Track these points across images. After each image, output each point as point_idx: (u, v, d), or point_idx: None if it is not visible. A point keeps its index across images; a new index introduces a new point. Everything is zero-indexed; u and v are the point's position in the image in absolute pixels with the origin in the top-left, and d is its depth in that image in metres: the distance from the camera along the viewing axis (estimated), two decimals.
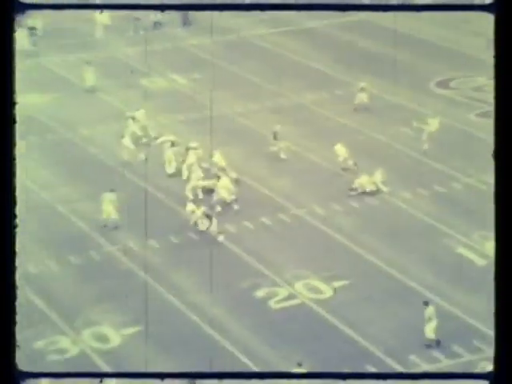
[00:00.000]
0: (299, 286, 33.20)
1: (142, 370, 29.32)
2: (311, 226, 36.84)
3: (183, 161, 39.90)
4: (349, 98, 46.45)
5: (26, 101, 45.28)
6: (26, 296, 32.37)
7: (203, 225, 36.05)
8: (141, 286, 33.07)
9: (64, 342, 30.89)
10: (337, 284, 33.16)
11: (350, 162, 39.83)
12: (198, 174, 38.93)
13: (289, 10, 10.15)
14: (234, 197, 37.79)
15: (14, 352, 9.87)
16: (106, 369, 29.55)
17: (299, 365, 28.21)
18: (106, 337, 31.06)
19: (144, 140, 42.50)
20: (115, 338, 30.99)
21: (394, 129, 43.43)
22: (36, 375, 9.96)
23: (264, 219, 37.21)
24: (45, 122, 45.26)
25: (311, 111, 46.54)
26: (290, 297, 32.74)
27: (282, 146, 41.46)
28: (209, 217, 36.11)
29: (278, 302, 32.51)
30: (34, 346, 30.26)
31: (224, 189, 37.80)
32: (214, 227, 35.90)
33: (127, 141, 41.40)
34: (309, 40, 55.01)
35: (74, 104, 46.90)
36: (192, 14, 55.77)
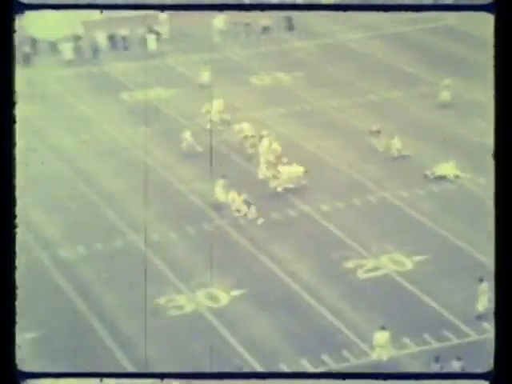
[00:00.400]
0: (384, 258, 33.50)
1: (245, 324, 30.22)
2: (395, 207, 37.11)
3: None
4: (433, 95, 46.49)
5: (153, 94, 46.32)
6: (152, 260, 33.35)
7: (241, 212, 36.16)
8: (246, 255, 34.02)
9: (181, 299, 31.50)
10: (417, 258, 33.41)
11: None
12: (266, 159, 39.16)
13: (289, 10, 9.28)
14: (304, 182, 37.95)
15: (13, 352, 9.08)
16: (217, 324, 30.22)
17: (383, 328, 28.47)
18: (216, 297, 31.60)
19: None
20: (224, 298, 31.57)
21: (474, 123, 43.16)
22: (36, 375, 9.40)
23: (354, 200, 37.65)
24: (167, 112, 45.81)
25: (399, 106, 46.51)
26: (376, 268, 32.99)
27: (380, 140, 41.68)
28: (247, 204, 36.21)
29: (365, 272, 32.79)
30: (156, 302, 31.26)
31: (289, 175, 38.17)
32: (252, 214, 35.96)
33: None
34: (398, 43, 54.75)
35: (191, 98, 47.24)
36: (296, 19, 55.82)
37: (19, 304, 28.40)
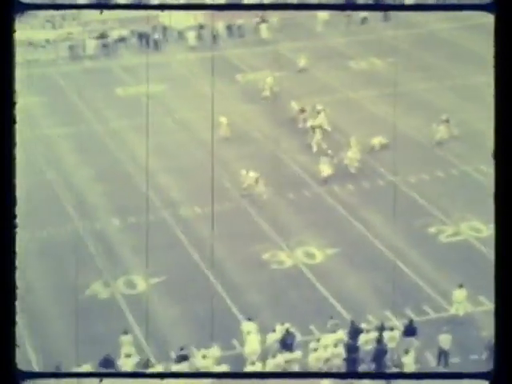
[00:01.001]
0: (464, 226, 33.15)
1: (337, 279, 30.12)
2: (475, 180, 36.51)
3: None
4: None
5: (262, 76, 46.63)
6: (259, 220, 33.57)
7: (250, 187, 35.47)
8: (339, 219, 33.86)
9: (282, 255, 31.57)
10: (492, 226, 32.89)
11: None
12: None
13: (289, 9, 8.60)
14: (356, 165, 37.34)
15: (14, 352, 8.35)
16: (312, 278, 30.21)
17: (460, 286, 28.08)
18: (313, 254, 31.59)
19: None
20: (319, 256, 31.54)
21: None
22: (36, 375, 8.57)
23: (438, 173, 37.21)
24: (275, 90, 45.73)
25: (482, 90, 45.80)
26: (455, 234, 32.73)
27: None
28: (257, 181, 35.46)
29: (446, 237, 32.54)
30: (262, 257, 31.48)
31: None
32: (260, 188, 35.32)
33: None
34: (482, 32, 53.93)
35: (290, 80, 47.16)
36: (392, 12, 55.43)
37: (148, 253, 28.97)
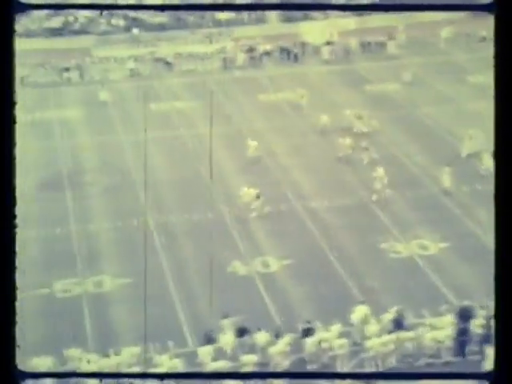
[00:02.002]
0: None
1: (450, 269, 29.23)
2: None
3: None
4: None
5: (385, 87, 45.79)
6: (378, 215, 32.90)
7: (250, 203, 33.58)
8: (452, 217, 32.76)
9: (398, 246, 30.84)
10: None
11: None
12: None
13: (289, 10, 7.99)
14: None
15: (14, 352, 7.54)
16: (426, 268, 29.42)
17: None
18: (427, 246, 30.69)
19: None
20: (433, 248, 30.64)
21: None
22: (36, 375, 7.72)
23: None
24: (394, 99, 44.73)
25: None
26: None
27: None
28: (258, 197, 33.67)
29: None
30: (379, 247, 30.70)
31: None
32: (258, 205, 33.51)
33: None
34: None
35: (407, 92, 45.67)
36: None
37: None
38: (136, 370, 24.37)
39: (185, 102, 46.92)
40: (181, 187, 36.83)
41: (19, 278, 29.21)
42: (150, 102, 46.08)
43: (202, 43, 55.17)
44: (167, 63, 52.97)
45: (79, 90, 48.96)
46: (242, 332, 25.50)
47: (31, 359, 24.62)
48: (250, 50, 54.52)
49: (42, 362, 24.49)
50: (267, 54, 54.49)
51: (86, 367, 24.29)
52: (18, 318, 26.82)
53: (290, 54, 54.10)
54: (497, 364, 6.91)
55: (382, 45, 54.44)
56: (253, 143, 39.25)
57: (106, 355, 24.83)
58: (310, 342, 24.85)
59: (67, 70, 51.10)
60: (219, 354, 24.85)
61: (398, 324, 25.41)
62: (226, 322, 25.99)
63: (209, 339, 25.52)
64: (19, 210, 32.29)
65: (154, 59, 53.18)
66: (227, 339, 25.26)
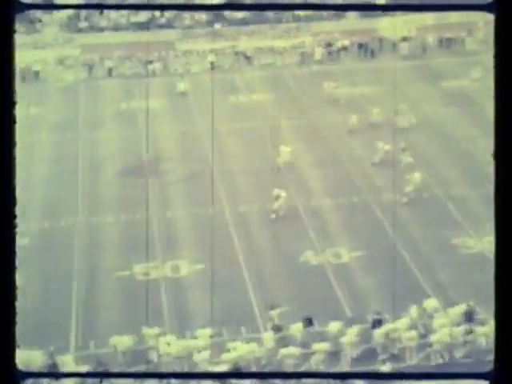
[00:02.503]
0: None
1: None
2: None
3: None
4: None
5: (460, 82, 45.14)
6: (450, 209, 32.46)
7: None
8: None
9: (470, 242, 30.57)
10: None
11: None
12: None
13: (289, 10, 7.54)
14: None
15: (14, 352, 7.27)
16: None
17: None
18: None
19: None
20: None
21: None
22: (36, 375, 7.70)
23: None
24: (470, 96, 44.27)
25: None
26: None
27: None
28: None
29: None
30: (452, 242, 30.49)
31: None
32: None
33: None
34: None
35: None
36: None
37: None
38: (209, 352, 24.77)
39: (262, 94, 47.19)
40: (255, 177, 37.12)
41: (105, 262, 29.86)
42: (229, 94, 46.50)
43: (281, 38, 55.35)
44: (247, 57, 53.33)
45: (162, 82, 49.67)
46: (310, 321, 25.65)
47: (112, 337, 25.31)
48: (328, 45, 54.41)
49: (122, 341, 25.12)
50: (344, 49, 54.30)
51: (164, 348, 24.76)
52: (100, 299, 27.42)
53: (366, 50, 53.79)
54: (497, 364, 6.74)
55: (460, 41, 53.66)
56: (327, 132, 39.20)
57: (183, 336, 25.28)
58: (379, 333, 24.85)
59: (151, 62, 51.91)
60: (289, 341, 25.06)
61: (469, 318, 25.17)
62: (295, 310, 26.20)
63: (278, 326, 25.77)
64: (104, 195, 33.17)
65: (234, 53, 53.60)
66: (297, 327, 25.46)
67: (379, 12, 57.56)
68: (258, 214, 33.99)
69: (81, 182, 37.04)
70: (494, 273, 6.82)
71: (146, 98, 47.25)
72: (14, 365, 6.97)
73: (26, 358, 24.19)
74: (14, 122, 7.16)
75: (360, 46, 54.24)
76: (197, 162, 38.61)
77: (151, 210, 34.46)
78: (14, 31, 7.14)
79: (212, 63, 52.34)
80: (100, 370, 23.86)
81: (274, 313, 26.07)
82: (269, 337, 25.25)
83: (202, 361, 24.46)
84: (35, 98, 46.23)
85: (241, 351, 24.50)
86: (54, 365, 24.09)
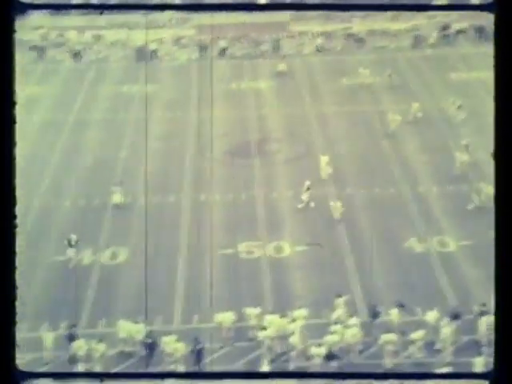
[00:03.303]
0: None
1: None
2: None
3: None
4: None
5: None
6: None
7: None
8: None
9: None
10: None
11: None
12: None
13: (289, 10, 7.33)
14: None
15: (14, 352, 7.19)
16: None
17: None
18: None
19: None
20: None
21: None
22: (36, 375, 7.43)
23: None
24: None
25: None
26: None
27: None
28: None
29: None
30: None
31: None
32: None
33: None
34: None
35: None
36: None
37: None
38: (306, 334, 24.82)
39: (372, 78, 46.65)
40: (361, 162, 36.78)
41: (210, 239, 30.31)
42: (339, 77, 46.16)
43: (394, 21, 54.49)
44: (359, 39, 52.76)
45: (272, 63, 49.73)
46: (402, 306, 25.34)
47: (215, 315, 25.71)
48: (444, 27, 53.16)
49: (224, 317, 25.47)
50: (462, 32, 52.89)
51: (263, 327, 24.93)
52: (204, 275, 27.82)
53: (484, 33, 52.15)
54: (497, 364, 6.66)
55: None
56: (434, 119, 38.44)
57: (284, 316, 25.42)
58: (483, 324, 24.29)
59: (263, 43, 52.04)
60: (387, 328, 24.82)
61: None
62: (395, 296, 25.91)
63: (374, 313, 25.55)
64: (211, 173, 33.58)
65: (346, 35, 53.12)
66: (393, 313, 25.16)
67: None
68: (364, 198, 33.71)
69: (189, 160, 37.61)
70: (494, 273, 6.79)
71: (255, 79, 47.48)
72: (15, 365, 6.98)
73: (127, 329, 24.91)
74: (14, 122, 7.05)
75: (478, 29, 52.67)
76: (303, 144, 38.56)
77: (257, 190, 34.68)
78: (13, 31, 7.06)
79: (323, 45, 52.03)
80: (198, 347, 24.29)
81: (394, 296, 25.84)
82: (366, 322, 25.13)
83: (299, 342, 24.54)
84: (151, 76, 47.18)
85: (340, 335, 24.44)
86: (154, 344, 24.55)
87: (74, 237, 29.42)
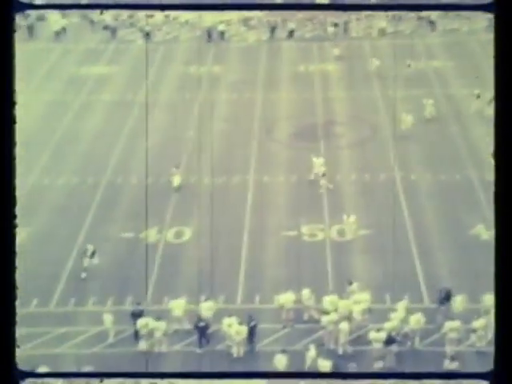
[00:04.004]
0: None
1: None
2: None
3: None
4: None
5: None
6: None
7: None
8: None
9: None
10: None
11: None
12: None
13: (289, 9, 7.12)
14: None
15: (14, 352, 7.19)
16: None
17: None
18: None
19: None
20: None
21: None
22: (36, 375, 7.46)
23: None
24: None
25: None
26: None
27: None
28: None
29: None
30: None
31: None
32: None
33: None
34: None
35: None
36: None
37: None
38: (367, 317, 24.67)
39: (442, 61, 45.90)
40: (428, 146, 36.27)
41: (274, 220, 30.09)
42: (408, 60, 45.56)
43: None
44: (430, 22, 51.93)
45: (338, 46, 49.30)
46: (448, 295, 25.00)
47: (275, 296, 25.77)
48: None
49: (284, 297, 25.51)
50: None
51: (326, 309, 24.92)
52: (267, 256, 27.84)
53: None
54: (497, 364, 6.55)
55: None
56: None
57: (342, 297, 25.32)
58: None
59: (336, 25, 51.61)
60: (451, 315, 24.50)
61: None
62: (458, 283, 25.59)
63: (445, 297, 25.20)
64: (276, 155, 33.52)
65: (416, 18, 52.34)
66: (457, 300, 24.82)
67: None
68: (430, 183, 33.29)
69: (255, 141, 37.63)
70: (494, 271, 6.64)
71: (323, 62, 47.17)
72: (14, 365, 6.94)
73: (187, 308, 25.12)
74: (14, 122, 6.93)
75: None
76: (367, 128, 38.18)
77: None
78: (14, 31, 7.03)
79: (391, 28, 51.38)
80: (252, 324, 24.36)
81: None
82: (429, 309, 24.86)
83: (359, 327, 24.46)
84: (219, 57, 47.28)
85: (402, 321, 24.25)
86: (207, 326, 24.68)
87: (90, 247, 27.58)
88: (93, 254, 27.69)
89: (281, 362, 22.99)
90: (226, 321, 24.43)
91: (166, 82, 44.49)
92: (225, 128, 38.54)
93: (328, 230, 30.35)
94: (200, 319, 24.55)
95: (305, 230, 30.44)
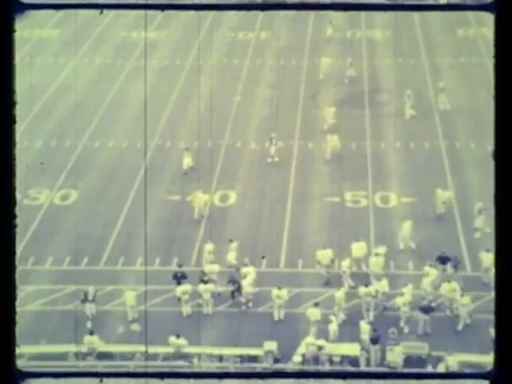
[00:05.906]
0: None
1: None
2: None
3: None
4: None
5: None
6: None
7: None
8: None
9: None
10: None
11: None
12: None
13: (290, 9, 6.85)
14: None
15: (14, 352, 7.20)
16: None
17: None
18: None
19: None
20: None
21: None
22: (36, 375, 7.35)
23: None
24: None
25: None
26: None
27: None
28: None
29: None
30: None
31: None
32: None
33: None
34: None
35: None
36: None
37: None
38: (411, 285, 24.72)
39: (491, 28, 45.10)
40: (475, 116, 35.80)
41: (317, 187, 29.97)
42: (457, 28, 44.82)
43: None
44: None
45: (386, 14, 48.63)
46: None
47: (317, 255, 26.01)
48: None
49: (324, 254, 25.88)
50: None
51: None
52: (309, 221, 27.84)
53: None
54: (497, 363, 6.56)
55: None
56: None
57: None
58: None
59: None
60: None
61: None
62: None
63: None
64: (320, 122, 33.22)
65: None
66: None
67: None
68: (476, 153, 32.93)
69: (300, 108, 37.50)
70: (494, 273, 6.57)
71: (370, 28, 46.69)
72: (14, 365, 6.94)
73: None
74: (14, 122, 6.87)
75: None
76: (414, 96, 37.75)
77: (365, 141, 34.37)
78: (13, 31, 6.93)
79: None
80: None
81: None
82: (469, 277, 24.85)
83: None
84: (267, 23, 47.07)
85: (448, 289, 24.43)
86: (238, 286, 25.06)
87: (91, 290, 25.14)
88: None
89: (314, 315, 23.44)
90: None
91: (214, 47, 44.51)
92: (270, 94, 38.49)
93: (371, 196, 30.33)
94: (235, 281, 24.99)
95: (348, 196, 30.45)
